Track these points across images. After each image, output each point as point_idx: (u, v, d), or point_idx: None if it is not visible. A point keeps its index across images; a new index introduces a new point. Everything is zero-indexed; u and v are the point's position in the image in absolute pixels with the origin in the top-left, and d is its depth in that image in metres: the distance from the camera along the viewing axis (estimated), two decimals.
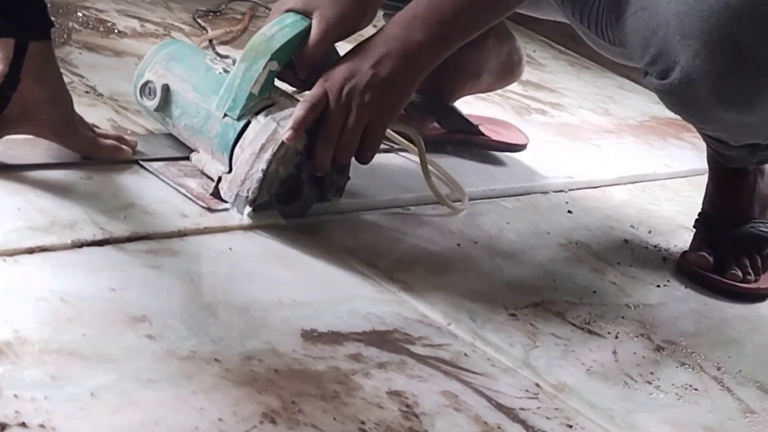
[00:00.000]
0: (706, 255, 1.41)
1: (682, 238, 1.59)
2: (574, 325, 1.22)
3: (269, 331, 1.00)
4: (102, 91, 1.41)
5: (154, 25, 1.73)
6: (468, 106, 1.69)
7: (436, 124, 1.61)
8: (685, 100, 1.27)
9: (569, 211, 1.57)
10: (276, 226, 1.20)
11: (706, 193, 1.52)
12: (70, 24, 1.60)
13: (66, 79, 1.38)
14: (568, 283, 1.31)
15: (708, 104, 1.25)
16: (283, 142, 1.16)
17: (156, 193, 1.19)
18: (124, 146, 1.22)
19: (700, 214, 1.49)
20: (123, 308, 0.95)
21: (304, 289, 1.10)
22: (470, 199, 1.48)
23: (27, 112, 1.10)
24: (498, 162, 1.66)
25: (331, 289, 1.12)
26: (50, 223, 1.05)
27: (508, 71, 1.69)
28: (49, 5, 1.60)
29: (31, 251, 0.99)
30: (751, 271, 1.40)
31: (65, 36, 1.56)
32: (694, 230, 1.49)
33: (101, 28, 1.63)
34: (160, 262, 1.06)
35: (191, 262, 1.09)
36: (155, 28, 1.71)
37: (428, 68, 1.24)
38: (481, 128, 1.64)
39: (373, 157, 1.22)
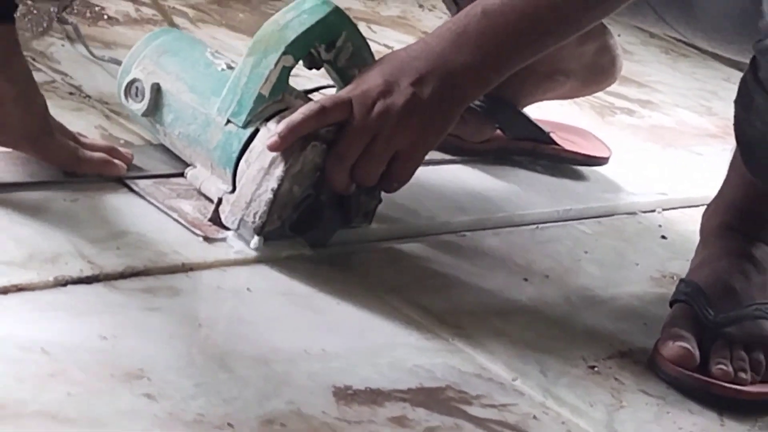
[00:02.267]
0: (688, 346, 1.23)
1: None
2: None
3: (293, 388, 1.00)
4: (89, 92, 1.42)
5: (152, 9, 1.74)
6: (538, 108, 1.69)
7: (498, 131, 1.62)
8: None
9: (663, 237, 1.57)
10: (300, 257, 1.21)
11: (696, 261, 1.40)
12: (51, 9, 1.62)
13: (45, 77, 1.41)
14: (659, 326, 1.28)
15: None
16: (299, 156, 1.16)
17: (155, 217, 1.20)
18: (115, 160, 1.22)
19: (683, 283, 1.34)
20: (116, 361, 0.96)
21: (335, 337, 1.11)
22: (541, 223, 1.49)
23: None
24: (575, 176, 1.66)
25: (368, 335, 1.13)
26: (28, 257, 1.05)
27: (597, 75, 1.70)
28: None
29: (5, 291, 1.00)
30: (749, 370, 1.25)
31: (44, 24, 1.58)
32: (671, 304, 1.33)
33: (88, 14, 1.65)
34: (160, 304, 1.06)
35: (197, 303, 1.09)
36: (153, 14, 1.72)
37: (477, 95, 1.26)
38: (553, 136, 1.65)
39: (401, 187, 1.23)
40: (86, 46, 1.54)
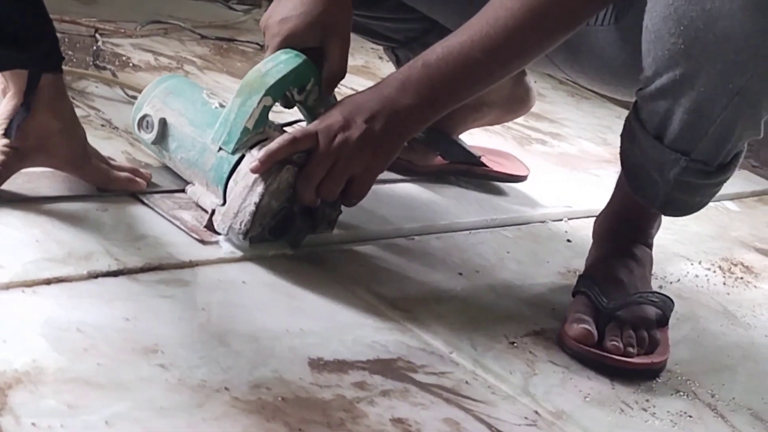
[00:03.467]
0: (589, 327, 1.23)
1: (677, 266, 1.60)
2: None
3: (277, 359, 1.00)
4: (117, 124, 1.42)
5: (168, 58, 1.74)
6: (470, 136, 1.70)
7: (439, 157, 1.61)
8: (703, 36, 1.11)
9: (568, 240, 1.57)
10: (281, 256, 1.20)
11: (590, 259, 1.40)
12: (87, 58, 1.61)
13: (82, 112, 1.41)
14: (562, 310, 1.29)
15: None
16: (277, 173, 1.16)
17: (164, 224, 1.19)
18: (138, 179, 1.23)
19: (581, 278, 1.34)
20: (136, 338, 0.96)
21: (310, 318, 1.10)
22: (473, 229, 1.48)
23: (41, 143, 1.11)
24: (499, 192, 1.66)
25: (336, 318, 1.12)
26: (67, 255, 1.05)
27: (515, 105, 1.68)
28: (66, 39, 1.63)
29: (48, 282, 1.00)
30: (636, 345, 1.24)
31: (86, 67, 1.57)
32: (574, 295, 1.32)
33: (117, 62, 1.64)
34: (172, 293, 1.06)
35: (202, 292, 1.09)
36: (168, 62, 1.72)
37: (418, 129, 1.23)
38: (483, 159, 1.65)
39: (358, 202, 1.22)
40: (122, 88, 1.54)
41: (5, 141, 1.10)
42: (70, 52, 1.60)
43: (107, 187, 1.20)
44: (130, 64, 1.65)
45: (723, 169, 1.24)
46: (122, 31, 1.78)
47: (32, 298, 0.96)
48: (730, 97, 1.15)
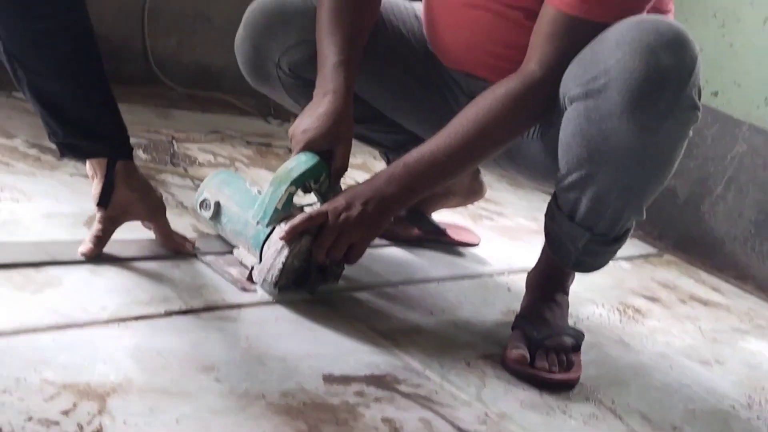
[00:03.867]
0: (524, 352, 1.22)
1: (586, 308, 1.59)
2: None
3: (300, 375, 1.00)
4: (187, 205, 1.42)
5: (223, 158, 1.74)
6: (439, 215, 1.69)
7: (416, 230, 1.61)
8: (600, 104, 1.09)
9: (508, 289, 1.55)
10: (302, 300, 1.19)
11: (524, 303, 1.35)
12: (166, 158, 1.62)
13: (163, 196, 1.41)
14: (505, 340, 1.27)
15: (621, 107, 1.07)
16: (298, 241, 1.15)
17: (220, 277, 1.19)
18: (187, 242, 1.24)
19: (518, 317, 1.31)
20: (199, 359, 0.96)
21: (324, 345, 1.10)
22: (441, 279, 1.48)
23: (125, 209, 1.12)
24: (459, 254, 1.65)
25: (343, 345, 1.12)
26: (150, 298, 1.06)
27: (472, 194, 1.68)
28: (151, 144, 1.64)
29: (136, 318, 1.00)
30: (557, 365, 1.23)
31: (164, 165, 1.57)
32: (513, 329, 1.29)
33: (187, 161, 1.65)
34: (224, 326, 1.06)
35: (245, 326, 1.08)
36: (223, 160, 1.73)
37: (399, 210, 1.22)
38: (448, 231, 1.64)
39: (356, 261, 1.20)
40: (191, 179, 1.54)
41: (102, 212, 1.11)
42: (153, 154, 1.61)
43: (170, 237, 1.21)
44: (197, 162, 1.66)
45: (617, 240, 1.24)
46: (191, 138, 1.79)
47: (125, 331, 0.97)
48: (619, 191, 1.16)
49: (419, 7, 1.44)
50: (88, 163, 1.10)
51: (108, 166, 1.08)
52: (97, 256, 1.10)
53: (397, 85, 1.43)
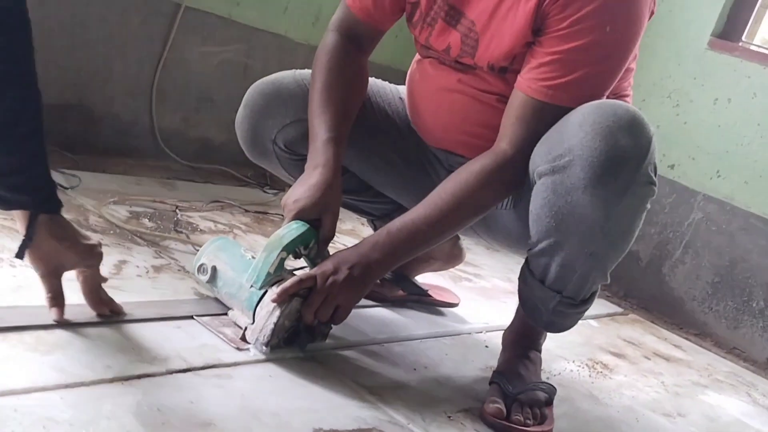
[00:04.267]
0: (500, 406, 1.21)
1: (558, 364, 1.58)
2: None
3: (292, 429, 0.99)
4: (188, 270, 1.40)
5: (223, 225, 1.75)
6: (422, 277, 1.70)
7: (401, 291, 1.61)
8: (565, 179, 1.10)
9: (486, 346, 1.55)
10: (293, 358, 1.18)
11: (501, 360, 1.36)
12: (170, 225, 1.62)
13: (165, 262, 1.40)
14: (483, 395, 1.27)
15: (584, 183, 1.09)
16: (288, 303, 1.15)
17: (216, 337, 1.17)
18: (113, 304, 1.12)
19: (495, 372, 1.31)
20: (197, 415, 0.95)
21: (314, 400, 1.09)
22: (423, 338, 1.46)
23: (58, 259, 1.02)
24: (440, 314, 1.65)
25: (332, 400, 1.11)
26: (153, 358, 1.05)
27: (452, 259, 1.68)
28: (156, 213, 1.63)
29: (139, 377, 0.99)
30: (532, 418, 1.23)
31: (168, 232, 1.57)
32: (490, 384, 1.30)
33: (189, 228, 1.65)
34: (222, 383, 1.05)
35: (240, 382, 1.07)
36: (223, 227, 1.73)
37: (383, 275, 1.23)
38: (430, 292, 1.64)
39: (342, 321, 1.19)
40: (193, 245, 1.53)
41: (38, 271, 1.03)
42: (158, 222, 1.61)
43: (93, 295, 1.09)
44: (198, 229, 1.66)
45: (584, 302, 1.24)
46: (193, 207, 1.79)
47: (128, 389, 0.96)
48: (585, 258, 1.16)
49: (403, 90, 1.47)
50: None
51: (30, 219, 0.98)
52: (63, 313, 1.05)
53: (383, 159, 1.45)
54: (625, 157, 1.08)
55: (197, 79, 2.13)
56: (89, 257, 1.06)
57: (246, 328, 1.18)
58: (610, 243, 1.15)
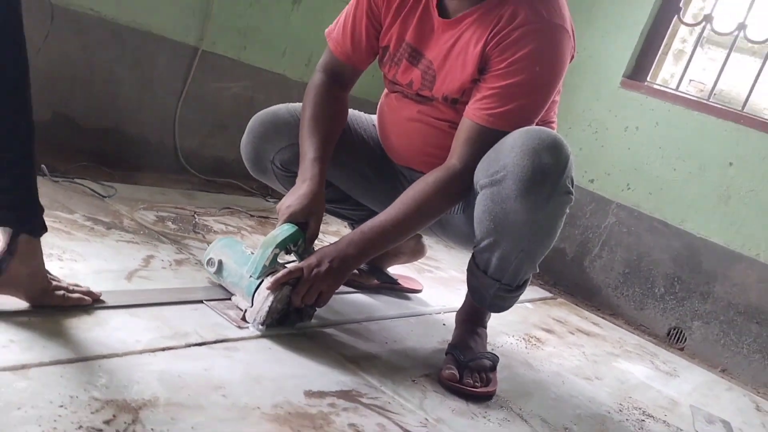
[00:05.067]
0: (455, 371, 1.21)
1: (500, 338, 1.58)
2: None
3: (286, 391, 0.99)
4: (197, 261, 1.38)
5: (232, 227, 1.73)
6: (393, 269, 1.70)
7: (375, 280, 1.60)
8: (501, 190, 1.11)
9: (443, 324, 1.55)
10: (286, 334, 1.18)
11: (454, 335, 1.34)
12: (189, 227, 1.61)
13: (184, 256, 1.38)
14: (440, 363, 1.27)
15: (515, 193, 1.09)
16: (280, 290, 1.14)
17: (219, 318, 1.16)
18: (86, 297, 1.02)
19: (450, 345, 1.30)
20: (210, 380, 0.94)
21: (304, 368, 1.09)
22: (393, 318, 1.45)
23: (11, 281, 0.92)
24: (407, 298, 1.65)
25: (319, 368, 1.11)
26: (174, 333, 1.04)
27: (416, 254, 1.68)
28: (178, 217, 1.61)
29: (163, 349, 0.98)
30: (479, 381, 1.23)
31: (188, 232, 1.56)
32: (446, 354, 1.29)
33: (205, 229, 1.64)
34: (231, 354, 1.05)
35: (243, 354, 1.07)
36: (233, 229, 1.72)
37: (358, 266, 1.20)
38: (399, 281, 1.64)
39: (325, 305, 1.18)
40: (208, 244, 1.52)
41: None
42: (180, 224, 1.60)
43: (64, 304, 0.98)
44: (212, 230, 1.65)
45: (519, 288, 1.25)
46: (209, 213, 1.78)
47: (154, 359, 0.95)
48: (518, 253, 1.17)
49: (375, 118, 1.47)
50: None
51: (12, 237, 0.89)
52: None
53: (360, 175, 1.45)
54: (547, 172, 1.09)
55: (212, 109, 2.12)
56: (32, 298, 0.95)
57: (246, 311, 1.17)
58: (537, 241, 1.16)
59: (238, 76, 2.13)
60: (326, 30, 1.38)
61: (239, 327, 1.15)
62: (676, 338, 2.15)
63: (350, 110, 1.43)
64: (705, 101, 2.23)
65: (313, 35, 2.19)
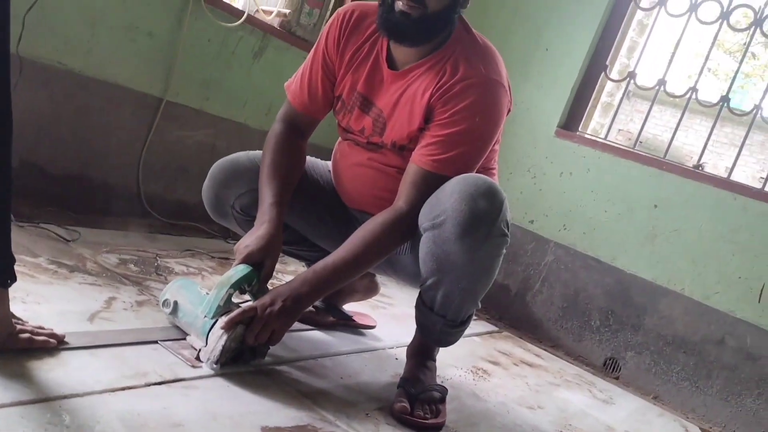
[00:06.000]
0: (406, 404, 1.20)
1: (449, 371, 1.59)
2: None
3: (243, 427, 0.98)
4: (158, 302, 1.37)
5: (193, 268, 1.72)
6: (348, 306, 1.70)
7: (331, 317, 1.60)
8: (442, 233, 1.12)
9: (396, 358, 1.55)
10: (241, 372, 1.16)
11: (405, 368, 1.34)
12: (150, 269, 1.59)
13: (146, 297, 1.35)
14: (393, 396, 1.27)
15: (454, 236, 1.11)
16: (233, 329, 1.12)
17: (174, 358, 1.14)
18: (51, 339, 1.00)
19: (401, 378, 1.30)
20: (170, 418, 0.93)
21: (259, 404, 1.08)
22: (348, 353, 1.45)
23: None
24: (361, 334, 1.64)
25: (274, 403, 1.10)
26: (134, 373, 1.03)
27: (370, 291, 1.68)
28: (140, 260, 1.59)
29: (123, 389, 0.97)
30: (430, 413, 1.22)
31: (150, 274, 1.53)
32: (398, 388, 1.28)
33: (167, 271, 1.62)
34: (189, 392, 1.04)
35: (200, 392, 1.06)
36: (194, 270, 1.70)
37: (311, 304, 1.19)
38: (354, 317, 1.64)
39: (277, 343, 1.16)
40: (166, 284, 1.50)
41: None
42: (142, 266, 1.58)
43: (30, 347, 0.96)
44: (174, 272, 1.63)
45: (463, 323, 1.27)
46: (170, 255, 1.76)
47: (115, 398, 0.94)
48: (459, 290, 1.20)
49: (329, 164, 1.50)
50: None
51: None
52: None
53: (316, 217, 1.46)
54: (483, 217, 1.12)
55: (175, 155, 2.12)
56: (5, 339, 0.92)
57: (200, 350, 1.16)
58: (476, 280, 1.19)
59: (201, 125, 2.14)
60: (286, 83, 1.41)
61: (193, 366, 1.13)
62: (612, 368, 2.19)
63: (308, 157, 1.45)
64: (631, 149, 2.34)
65: (272, 87, 2.22)
